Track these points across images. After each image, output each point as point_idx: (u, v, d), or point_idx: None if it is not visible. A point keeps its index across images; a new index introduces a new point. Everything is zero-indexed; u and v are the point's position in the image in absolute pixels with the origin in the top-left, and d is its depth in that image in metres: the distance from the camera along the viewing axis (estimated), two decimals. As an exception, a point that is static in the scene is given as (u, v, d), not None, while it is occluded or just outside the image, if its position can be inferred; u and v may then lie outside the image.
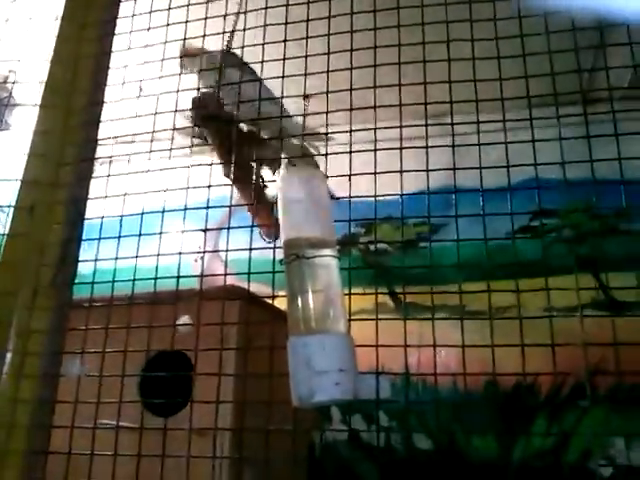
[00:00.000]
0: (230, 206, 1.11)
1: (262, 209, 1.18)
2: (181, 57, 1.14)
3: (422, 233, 1.83)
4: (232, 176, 1.10)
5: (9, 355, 0.79)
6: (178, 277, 0.84)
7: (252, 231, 0.96)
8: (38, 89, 1.38)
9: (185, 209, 0.93)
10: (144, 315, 1.17)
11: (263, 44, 0.89)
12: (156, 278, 0.82)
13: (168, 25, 0.92)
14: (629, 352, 1.31)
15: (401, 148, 0.94)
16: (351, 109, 0.88)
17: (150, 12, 0.98)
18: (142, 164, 0.87)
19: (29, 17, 1.29)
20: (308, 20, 0.92)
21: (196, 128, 1.23)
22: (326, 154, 0.90)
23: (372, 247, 1.93)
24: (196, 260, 1.54)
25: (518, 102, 1.20)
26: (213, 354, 1.15)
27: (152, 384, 1.37)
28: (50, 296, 0.81)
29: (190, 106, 1.19)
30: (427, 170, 0.91)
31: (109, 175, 0.87)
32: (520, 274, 1.91)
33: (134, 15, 1.00)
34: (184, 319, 0.94)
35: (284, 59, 0.90)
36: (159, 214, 1.00)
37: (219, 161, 1.25)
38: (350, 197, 0.84)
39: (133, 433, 1.17)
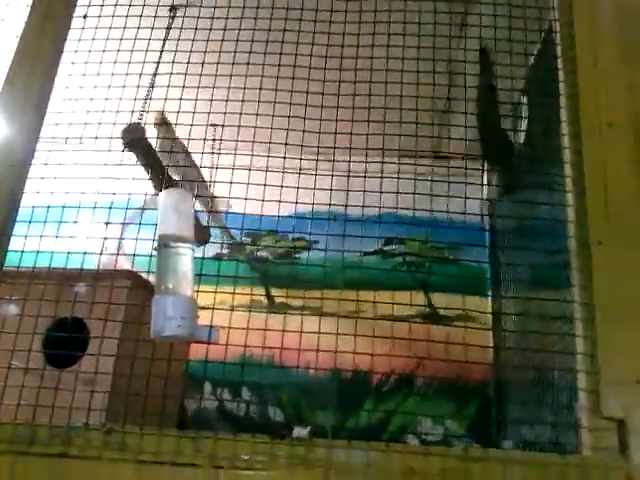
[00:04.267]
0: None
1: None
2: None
3: (298, 247, 2.22)
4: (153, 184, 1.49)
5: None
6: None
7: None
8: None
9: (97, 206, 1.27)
10: (55, 287, 1.48)
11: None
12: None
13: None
14: (442, 353, 1.74)
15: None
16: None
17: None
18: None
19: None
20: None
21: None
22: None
23: (256, 254, 2.31)
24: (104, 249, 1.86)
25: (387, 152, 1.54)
26: (105, 323, 1.48)
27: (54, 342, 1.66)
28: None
29: (121, 133, 1.55)
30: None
31: (42, 178, 1.20)
32: (371, 287, 2.35)
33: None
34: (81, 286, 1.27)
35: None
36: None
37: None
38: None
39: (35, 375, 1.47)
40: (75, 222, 1.31)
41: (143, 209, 1.63)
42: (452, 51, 1.33)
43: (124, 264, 1.85)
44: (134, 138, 1.56)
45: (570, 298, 1.09)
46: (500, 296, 1.92)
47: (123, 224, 1.49)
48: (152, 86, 1.60)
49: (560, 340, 1.23)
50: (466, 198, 1.30)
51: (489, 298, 2.02)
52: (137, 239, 1.16)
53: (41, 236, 1.19)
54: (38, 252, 1.22)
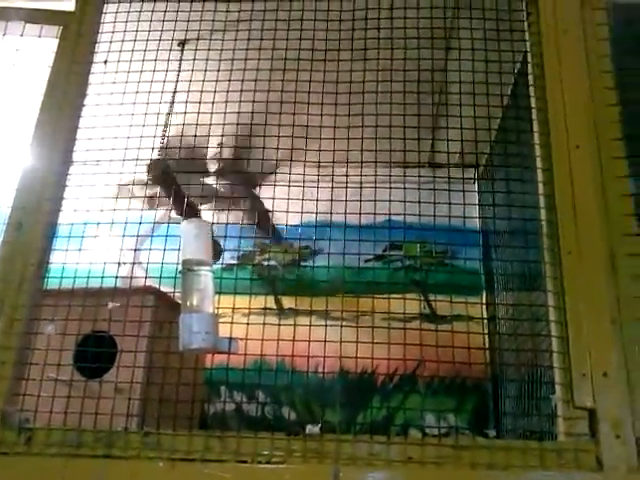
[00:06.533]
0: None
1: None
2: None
3: (304, 255, 2.38)
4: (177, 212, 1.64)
5: (2, 319, 1.26)
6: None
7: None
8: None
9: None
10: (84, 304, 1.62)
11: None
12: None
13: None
14: (442, 352, 1.86)
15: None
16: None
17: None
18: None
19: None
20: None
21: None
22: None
23: (265, 263, 2.46)
24: (123, 263, 2.00)
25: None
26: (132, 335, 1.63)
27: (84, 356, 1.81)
28: (32, 284, 1.28)
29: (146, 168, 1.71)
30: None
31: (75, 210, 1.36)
32: (373, 291, 2.48)
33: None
34: (113, 304, 1.42)
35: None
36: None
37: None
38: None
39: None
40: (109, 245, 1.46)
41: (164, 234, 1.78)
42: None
43: (144, 280, 1.99)
44: (158, 173, 1.72)
45: (546, 303, 1.24)
46: (493, 298, 2.06)
47: (150, 250, 1.58)
48: (169, 113, 1.75)
49: (545, 340, 1.37)
50: (461, 204, 1.42)
51: (483, 300, 2.16)
52: (162, 263, 1.31)
53: (78, 263, 1.34)
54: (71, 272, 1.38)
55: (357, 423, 2.18)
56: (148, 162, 1.70)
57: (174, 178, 1.71)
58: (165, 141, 1.60)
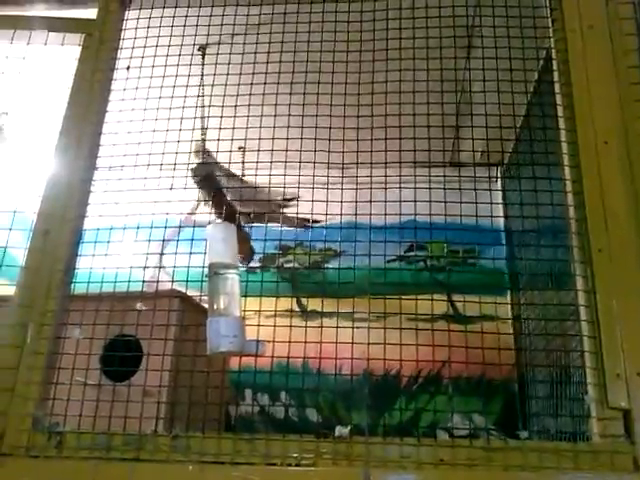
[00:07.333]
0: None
1: (241, 242, 1.69)
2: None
3: (327, 257, 2.37)
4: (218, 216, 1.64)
5: (31, 325, 1.27)
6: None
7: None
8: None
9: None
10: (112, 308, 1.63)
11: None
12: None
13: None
14: (466, 352, 1.83)
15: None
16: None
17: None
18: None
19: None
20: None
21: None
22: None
23: (285, 265, 2.47)
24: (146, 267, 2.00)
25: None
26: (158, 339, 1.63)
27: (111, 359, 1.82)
28: (59, 289, 1.29)
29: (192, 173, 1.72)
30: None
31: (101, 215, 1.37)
32: (397, 292, 2.45)
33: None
34: (140, 305, 1.43)
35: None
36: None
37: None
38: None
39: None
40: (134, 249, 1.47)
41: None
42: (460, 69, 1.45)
43: (171, 284, 2.00)
44: (204, 175, 1.73)
45: (576, 302, 1.22)
46: (518, 297, 2.03)
47: (175, 253, 1.58)
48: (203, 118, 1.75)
49: (574, 339, 1.35)
50: (485, 203, 1.40)
51: (508, 298, 2.14)
52: (188, 267, 1.32)
53: (104, 268, 1.35)
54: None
55: (383, 425, 2.16)
56: (193, 166, 1.72)
57: (218, 182, 1.72)
58: (205, 145, 1.61)
